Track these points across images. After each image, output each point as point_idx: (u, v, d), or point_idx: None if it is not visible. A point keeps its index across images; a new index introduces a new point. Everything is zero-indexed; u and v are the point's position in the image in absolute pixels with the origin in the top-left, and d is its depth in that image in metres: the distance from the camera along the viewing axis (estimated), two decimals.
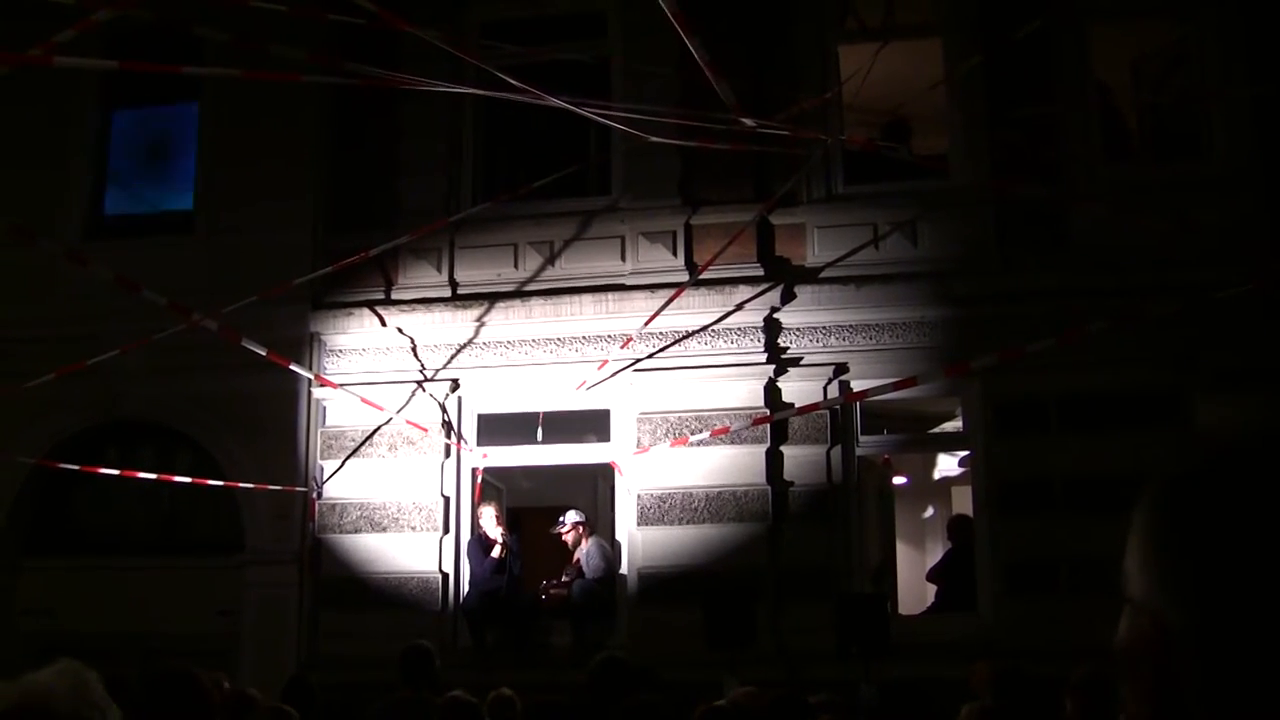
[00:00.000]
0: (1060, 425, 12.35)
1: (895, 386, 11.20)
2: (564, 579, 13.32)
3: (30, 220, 13.26)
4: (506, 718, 7.90)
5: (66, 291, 13.64)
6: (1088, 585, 11.37)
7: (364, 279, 13.73)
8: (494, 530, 13.08)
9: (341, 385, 13.31)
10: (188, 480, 13.08)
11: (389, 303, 13.89)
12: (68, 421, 14.13)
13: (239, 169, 14.30)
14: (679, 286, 12.70)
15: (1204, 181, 12.68)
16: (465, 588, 13.27)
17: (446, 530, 13.46)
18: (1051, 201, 12.66)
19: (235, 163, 14.36)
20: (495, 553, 12.94)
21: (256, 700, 7.71)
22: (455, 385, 13.66)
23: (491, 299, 13.64)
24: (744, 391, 12.99)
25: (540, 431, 13.48)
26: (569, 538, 13.36)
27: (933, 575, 13.99)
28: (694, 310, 13.01)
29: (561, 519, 13.44)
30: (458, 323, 13.67)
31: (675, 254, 13.46)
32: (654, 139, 11.09)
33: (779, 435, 12.88)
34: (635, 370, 13.19)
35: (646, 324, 12.74)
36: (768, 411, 12.66)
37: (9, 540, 14.27)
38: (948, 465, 16.85)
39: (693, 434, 12.65)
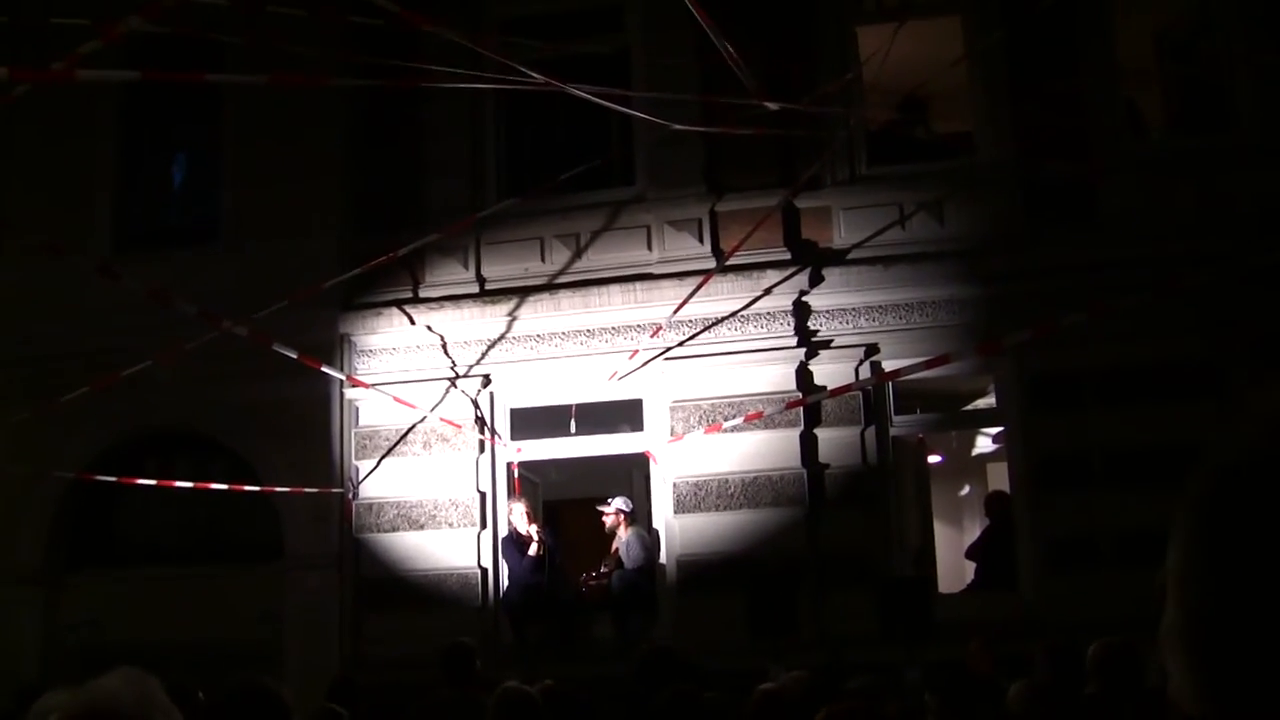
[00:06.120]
0: (1095, 399, 12.29)
1: (927, 365, 11.13)
2: (603, 570, 13.33)
3: (57, 237, 13.35)
4: (561, 707, 7.87)
5: (95, 306, 13.61)
6: (1128, 559, 11.33)
7: (392, 279, 13.75)
8: (525, 527, 13.08)
9: (373, 385, 13.35)
10: (224, 487, 13.11)
11: (417, 301, 13.92)
12: (103, 435, 14.16)
13: (263, 176, 14.29)
14: (706, 273, 12.68)
15: (1232, 150, 12.58)
16: (505, 583, 13.29)
17: (484, 525, 13.49)
18: (1079, 175, 12.59)
19: (259, 170, 14.36)
20: (533, 550, 12.93)
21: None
22: (487, 381, 13.69)
23: (520, 294, 13.66)
24: (775, 375, 12.97)
25: (574, 423, 13.50)
26: (608, 521, 13.32)
27: (972, 553, 13.95)
28: (723, 297, 12.99)
29: (610, 499, 13.42)
30: (487, 318, 13.69)
31: (702, 241, 13.45)
32: (676, 127, 11.08)
33: (812, 418, 12.86)
34: (666, 359, 13.19)
35: (675, 312, 12.73)
36: (800, 395, 12.64)
37: (52, 555, 14.36)
38: (983, 443, 16.80)
39: (726, 420, 12.63)
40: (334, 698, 8.49)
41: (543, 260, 13.83)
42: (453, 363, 13.74)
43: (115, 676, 2.04)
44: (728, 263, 12.82)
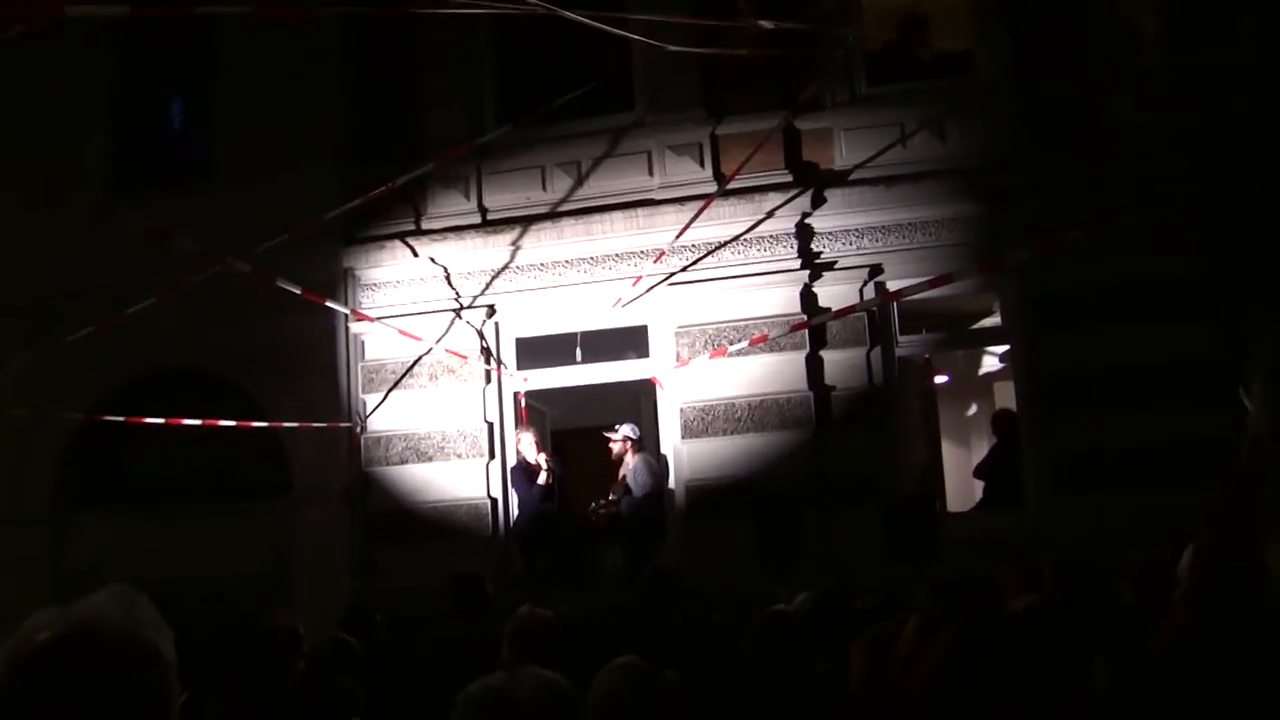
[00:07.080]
0: (1099, 316, 12.25)
1: (931, 284, 11.13)
2: (611, 498, 13.38)
3: (54, 181, 13.32)
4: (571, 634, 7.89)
5: (96, 248, 13.65)
6: (1134, 476, 11.38)
7: (393, 212, 13.72)
8: (533, 456, 13.12)
9: (378, 319, 13.34)
10: (232, 424, 13.08)
11: (420, 233, 13.89)
12: (109, 377, 14.18)
13: (259, 114, 14.20)
14: (708, 198, 12.64)
15: (1232, 65, 12.42)
16: (515, 513, 13.35)
17: (492, 456, 13.53)
18: (1078, 92, 12.49)
19: (255, 108, 14.26)
20: (542, 479, 12.98)
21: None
22: (491, 311, 13.68)
23: (522, 223, 13.62)
24: (780, 298, 12.95)
25: (580, 352, 13.51)
26: (615, 448, 13.36)
27: (979, 471, 13.99)
28: (725, 221, 12.95)
29: (617, 426, 13.44)
30: (490, 249, 13.66)
31: (703, 165, 13.38)
32: (672, 48, 10.99)
33: (818, 340, 12.85)
34: (670, 284, 13.17)
35: (678, 237, 12.69)
36: (805, 317, 12.63)
37: (59, 496, 14.43)
38: (990, 362, 16.80)
39: (731, 344, 12.64)
40: (347, 628, 8.55)
41: (544, 189, 13.78)
42: (457, 294, 13.72)
43: (103, 594, 2.04)
44: (729, 186, 12.76)
